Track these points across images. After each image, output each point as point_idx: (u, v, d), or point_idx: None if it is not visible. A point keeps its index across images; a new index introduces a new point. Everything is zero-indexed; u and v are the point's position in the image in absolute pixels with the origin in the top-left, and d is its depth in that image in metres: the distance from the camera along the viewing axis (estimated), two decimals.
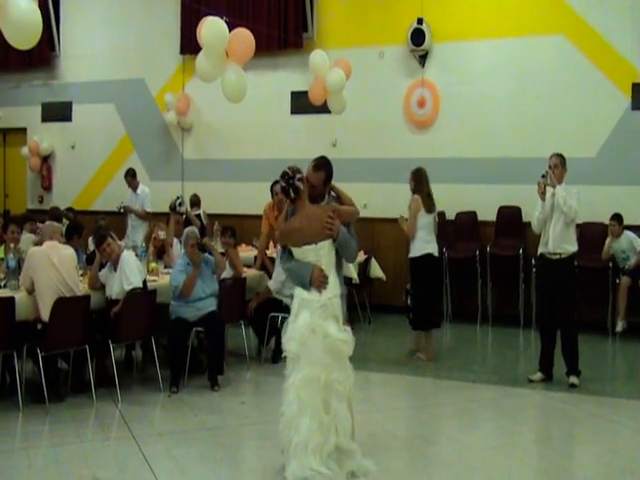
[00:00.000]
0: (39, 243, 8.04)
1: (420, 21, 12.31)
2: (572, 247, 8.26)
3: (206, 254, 8.43)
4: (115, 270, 8.00)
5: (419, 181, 9.63)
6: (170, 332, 8.15)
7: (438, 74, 12.52)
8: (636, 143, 11.28)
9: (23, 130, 16.15)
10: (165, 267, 9.42)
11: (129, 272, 7.91)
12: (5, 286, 7.84)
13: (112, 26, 15.33)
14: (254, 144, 13.78)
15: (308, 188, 5.64)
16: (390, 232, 12.56)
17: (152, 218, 12.28)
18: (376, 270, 11.81)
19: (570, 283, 8.31)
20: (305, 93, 11.67)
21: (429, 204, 9.52)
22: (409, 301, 9.73)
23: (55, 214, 11.20)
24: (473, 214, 12.15)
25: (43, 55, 15.38)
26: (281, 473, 5.56)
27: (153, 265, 9.11)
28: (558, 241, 8.20)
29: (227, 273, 9.04)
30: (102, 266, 8.19)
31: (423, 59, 12.59)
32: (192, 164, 14.48)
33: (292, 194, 5.59)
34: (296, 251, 5.66)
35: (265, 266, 9.90)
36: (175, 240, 9.99)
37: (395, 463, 6.08)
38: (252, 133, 13.83)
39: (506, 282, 11.71)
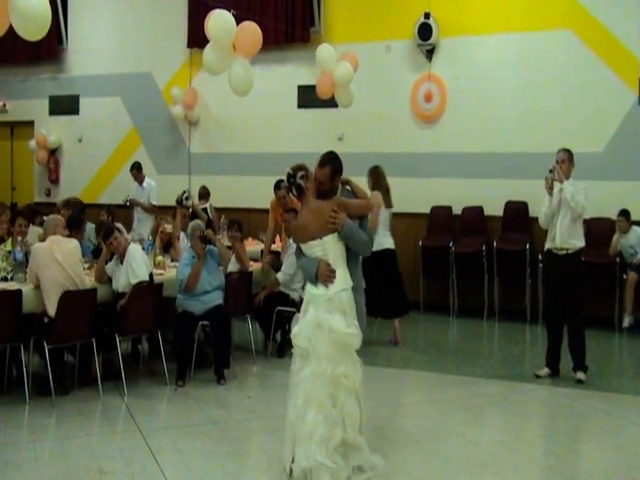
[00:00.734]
0: (44, 237, 8.04)
1: (427, 15, 12.28)
2: (579, 242, 8.24)
3: (210, 246, 8.43)
4: (122, 263, 8.01)
5: (377, 178, 10.02)
6: (176, 326, 8.16)
7: (445, 68, 12.49)
8: None
9: (31, 123, 16.19)
10: (172, 261, 9.43)
11: (135, 265, 7.91)
12: (12, 279, 7.85)
13: (119, 20, 15.36)
14: (261, 138, 13.77)
15: (316, 184, 5.63)
16: (396, 226, 12.48)
17: (158, 211, 12.29)
18: None
19: (577, 279, 8.29)
20: (312, 87, 11.65)
21: (387, 200, 9.95)
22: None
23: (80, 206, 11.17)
24: (480, 209, 12.12)
25: (51, 49, 15.43)
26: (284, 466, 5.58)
27: (160, 258, 9.12)
28: (565, 236, 8.18)
29: (233, 267, 9.04)
30: (109, 259, 8.19)
31: (430, 53, 12.56)
32: (199, 158, 14.48)
33: (295, 192, 5.63)
34: (303, 247, 5.67)
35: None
36: (182, 234, 10.00)
37: (402, 457, 6.08)
38: (259, 127, 13.82)
39: (513, 277, 11.69)
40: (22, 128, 16.33)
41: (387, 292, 9.79)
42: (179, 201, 10.48)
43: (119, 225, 9.01)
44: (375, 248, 9.28)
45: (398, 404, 7.61)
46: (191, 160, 14.55)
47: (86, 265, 8.41)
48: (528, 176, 11.16)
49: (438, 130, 12.61)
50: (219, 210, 12.64)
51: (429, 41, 12.34)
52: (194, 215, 10.90)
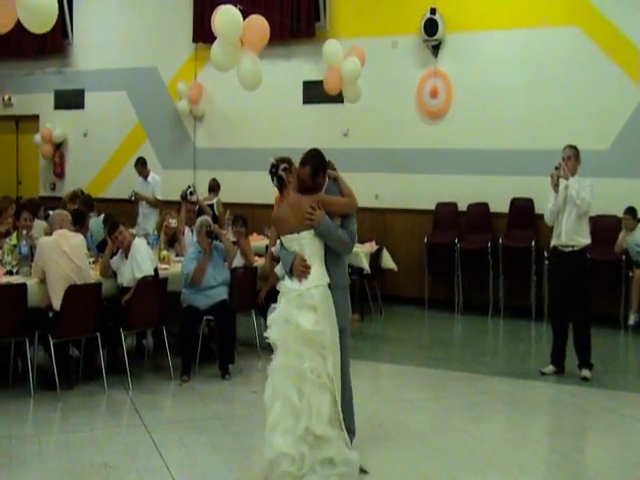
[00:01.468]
0: (50, 232, 8.04)
1: (433, 11, 12.25)
2: (585, 240, 8.22)
3: (216, 241, 8.43)
4: (127, 258, 8.00)
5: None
6: (181, 321, 8.15)
7: (451, 64, 12.46)
8: None
9: (36, 117, 16.19)
10: (176, 255, 9.42)
11: (140, 260, 7.91)
12: (17, 273, 7.85)
13: (125, 14, 15.34)
14: (266, 133, 13.74)
15: (298, 181, 5.62)
16: (401, 222, 12.55)
17: (163, 206, 12.28)
18: (387, 261, 11.77)
19: (582, 276, 8.27)
20: (317, 82, 11.66)
21: None
22: None
23: (88, 201, 11.18)
24: (485, 205, 12.09)
25: (56, 43, 15.42)
26: None
27: (164, 253, 9.12)
28: (571, 233, 8.16)
29: (238, 262, 9.03)
30: (114, 254, 8.18)
31: (436, 49, 12.52)
32: (204, 153, 14.47)
33: (276, 183, 5.63)
34: (283, 239, 5.69)
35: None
36: (186, 228, 9.99)
37: (405, 454, 6.06)
38: (264, 122, 13.80)
39: (518, 274, 11.67)
40: (27, 122, 16.34)
41: None
42: (184, 196, 10.49)
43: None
44: None
45: (402, 400, 7.57)
46: (196, 155, 14.55)
47: (91, 259, 8.42)
48: (534, 173, 11.12)
49: (443, 126, 12.58)
50: (224, 205, 12.62)
51: (435, 37, 12.31)
52: (200, 210, 10.91)
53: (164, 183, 12.87)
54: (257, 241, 10.91)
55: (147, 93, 15.04)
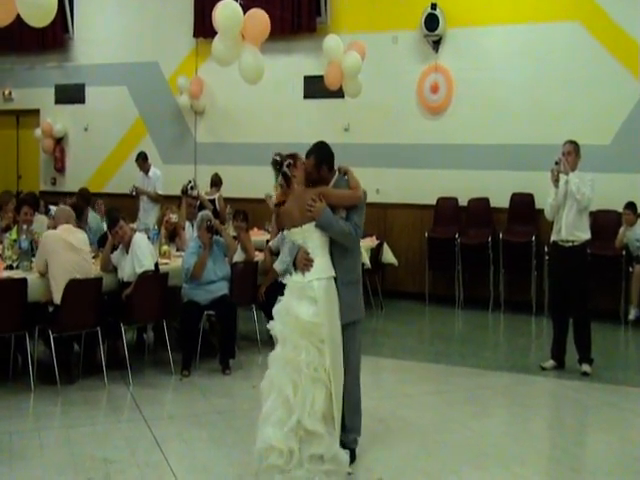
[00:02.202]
0: (54, 226, 8.05)
1: (434, 6, 12.25)
2: (585, 235, 8.21)
3: (216, 236, 8.43)
4: (127, 252, 8.00)
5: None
6: (182, 315, 8.16)
7: (452, 60, 12.46)
8: None
9: (36, 112, 16.18)
10: (177, 250, 9.43)
11: (141, 255, 7.91)
12: (18, 267, 7.85)
13: (126, 9, 15.34)
14: (267, 128, 13.74)
15: (304, 174, 5.64)
16: (402, 217, 12.56)
17: (164, 200, 12.28)
18: (388, 255, 11.80)
19: (582, 271, 8.26)
20: (318, 77, 11.65)
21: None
22: None
23: (85, 196, 11.19)
24: (486, 200, 12.09)
25: (57, 37, 15.42)
26: None
27: (165, 248, 9.12)
28: (571, 229, 8.15)
29: (239, 257, 9.03)
30: (114, 248, 8.18)
31: (437, 44, 12.52)
32: (205, 147, 14.47)
33: (282, 179, 5.67)
34: (288, 234, 5.75)
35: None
36: (187, 223, 9.99)
37: (407, 449, 6.06)
38: (265, 117, 13.80)
39: (518, 269, 11.68)
40: (28, 116, 16.34)
41: None
42: (184, 191, 10.47)
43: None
44: None
45: (403, 395, 7.59)
46: (197, 150, 14.54)
47: (92, 254, 8.42)
48: (534, 168, 11.13)
49: (444, 121, 12.58)
50: (225, 200, 12.62)
51: (436, 32, 12.31)
52: (201, 205, 10.91)
53: (165, 178, 12.86)
54: (258, 236, 10.92)
55: (148, 88, 15.03)
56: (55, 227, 7.89)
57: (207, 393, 7.45)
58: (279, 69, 13.24)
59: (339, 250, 5.58)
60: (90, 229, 9.93)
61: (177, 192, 10.93)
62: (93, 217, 10.57)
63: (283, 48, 13.38)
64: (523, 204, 11.77)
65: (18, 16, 7.27)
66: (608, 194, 10.63)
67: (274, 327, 5.51)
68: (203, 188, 12.40)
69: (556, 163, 8.18)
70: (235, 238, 9.13)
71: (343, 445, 5.54)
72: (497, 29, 12.18)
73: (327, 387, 5.32)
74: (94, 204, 11.60)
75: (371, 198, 11.85)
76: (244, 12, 9.34)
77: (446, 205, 12.35)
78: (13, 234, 8.50)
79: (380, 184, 12.61)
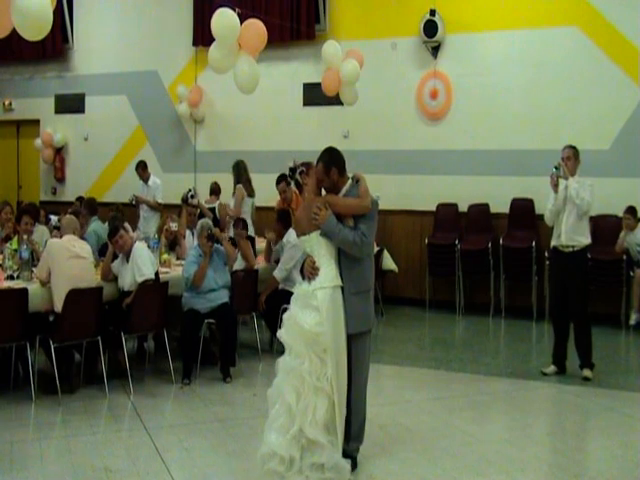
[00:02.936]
0: (60, 236, 8.08)
1: (433, 12, 12.26)
2: (585, 240, 8.21)
3: (217, 245, 8.45)
4: (127, 261, 8.01)
5: (239, 173, 11.23)
6: (182, 324, 8.16)
7: (451, 65, 12.48)
8: None
9: (36, 122, 16.23)
10: (177, 259, 9.44)
11: (141, 263, 7.92)
12: (18, 277, 7.86)
13: (125, 18, 15.37)
14: (266, 136, 13.77)
15: (316, 181, 5.68)
16: (402, 224, 12.56)
17: (163, 209, 12.29)
18: (388, 262, 11.81)
19: (583, 276, 8.27)
20: (317, 85, 11.66)
21: (250, 190, 11.08)
22: None
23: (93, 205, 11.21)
24: (486, 206, 12.10)
25: (56, 47, 15.48)
26: None
27: (165, 256, 9.13)
28: (571, 234, 8.16)
29: (239, 265, 9.04)
30: (115, 257, 8.19)
31: (436, 50, 12.54)
32: (204, 155, 14.49)
33: (295, 187, 5.74)
34: (299, 241, 5.83)
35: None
36: (187, 232, 10.00)
37: (407, 455, 6.06)
38: (264, 125, 13.83)
39: (519, 274, 11.67)
40: (28, 127, 16.39)
41: None
42: (184, 199, 10.49)
43: (125, 224, 9.02)
44: None
45: (404, 401, 7.59)
46: (197, 158, 14.56)
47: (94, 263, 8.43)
48: (534, 173, 11.15)
49: (444, 127, 12.59)
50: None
51: (434, 38, 12.32)
52: (202, 214, 10.91)
53: (165, 186, 12.86)
54: (258, 243, 10.92)
55: (147, 97, 15.07)
56: (61, 236, 7.92)
57: (208, 401, 7.45)
58: (278, 77, 13.29)
59: (347, 259, 5.56)
60: (94, 237, 9.96)
61: (177, 201, 10.95)
62: (99, 226, 10.57)
63: (282, 56, 13.43)
64: (523, 209, 11.77)
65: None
66: (608, 199, 10.67)
67: (281, 334, 5.52)
68: (203, 196, 12.40)
69: (555, 168, 8.19)
70: (235, 246, 9.13)
71: (345, 454, 5.57)
72: (496, 35, 12.20)
73: (329, 396, 5.34)
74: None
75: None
76: (242, 21, 9.36)
77: (446, 211, 12.35)
78: (14, 244, 8.50)
79: (380, 191, 12.45)
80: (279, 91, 13.45)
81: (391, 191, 12.66)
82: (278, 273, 8.97)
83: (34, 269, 7.84)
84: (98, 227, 10.42)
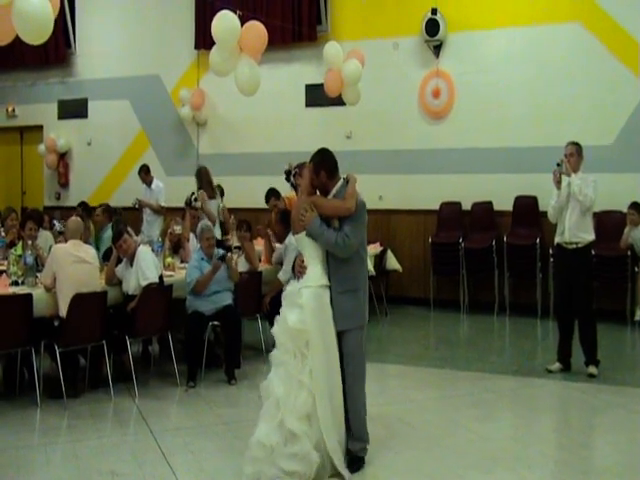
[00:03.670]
0: (65, 240, 8.10)
1: (434, 11, 12.27)
2: (589, 236, 8.20)
3: (219, 249, 8.46)
4: (131, 266, 8.02)
5: (200, 179, 11.29)
6: (187, 326, 8.15)
7: (453, 64, 12.48)
8: None
9: (40, 128, 16.25)
10: (181, 262, 9.44)
11: (145, 267, 7.93)
12: (23, 283, 7.86)
13: (127, 23, 15.39)
14: (269, 138, 13.79)
15: (308, 181, 5.74)
16: (406, 223, 12.56)
17: (167, 212, 12.30)
18: (392, 262, 11.80)
19: (587, 272, 8.26)
20: (319, 86, 11.67)
21: (211, 193, 11.13)
22: None
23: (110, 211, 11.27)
24: (489, 204, 12.10)
25: (59, 53, 15.52)
26: None
27: (169, 260, 9.13)
28: (574, 230, 8.15)
29: (243, 267, 9.04)
30: (119, 261, 8.20)
31: (438, 49, 12.55)
32: (208, 158, 14.44)
33: (292, 188, 5.80)
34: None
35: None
36: (191, 235, 10.01)
37: (413, 454, 6.05)
38: (267, 127, 13.84)
39: (523, 272, 11.67)
40: (31, 133, 16.41)
41: None
42: (188, 202, 10.49)
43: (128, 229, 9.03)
44: None
45: (409, 400, 7.57)
46: (200, 161, 14.53)
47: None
48: (537, 170, 11.13)
49: (446, 126, 12.60)
50: (228, 210, 12.61)
51: (436, 37, 12.34)
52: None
53: (168, 190, 12.86)
54: (261, 245, 10.90)
55: (150, 101, 15.09)
56: (66, 241, 7.93)
57: (213, 404, 7.45)
58: (280, 78, 13.30)
59: (335, 259, 5.63)
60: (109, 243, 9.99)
61: (180, 204, 10.95)
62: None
63: (284, 57, 13.44)
64: (527, 207, 11.77)
65: None
66: (612, 194, 10.64)
67: (273, 330, 5.67)
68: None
69: (558, 165, 8.19)
70: (238, 248, 9.13)
71: (350, 454, 5.63)
72: (497, 32, 12.21)
73: (310, 390, 5.44)
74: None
75: (374, 205, 11.96)
76: (243, 23, 9.37)
77: (449, 210, 12.35)
78: (18, 250, 8.52)
79: (383, 190, 12.63)
80: (281, 93, 13.45)
81: (394, 191, 12.70)
82: (282, 275, 8.95)
83: (39, 274, 7.85)
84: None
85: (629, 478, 5.68)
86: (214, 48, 9.47)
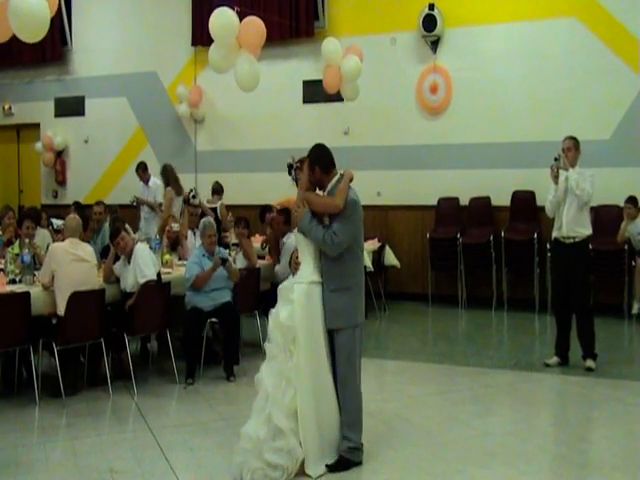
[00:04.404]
0: (63, 238, 8.10)
1: (431, 7, 12.29)
2: (586, 230, 8.21)
3: (220, 248, 8.47)
4: (129, 263, 8.02)
5: (166, 176, 11.69)
6: (185, 323, 8.16)
7: (450, 59, 12.48)
8: None
9: (37, 125, 16.22)
10: (179, 259, 9.44)
11: (143, 265, 7.92)
12: (20, 281, 7.86)
13: (124, 20, 15.37)
14: (267, 134, 13.78)
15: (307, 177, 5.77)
16: (404, 219, 12.57)
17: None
18: (390, 257, 11.81)
19: (584, 267, 8.27)
20: (317, 82, 11.67)
21: (178, 189, 11.45)
22: None
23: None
24: (487, 199, 12.11)
25: (55, 50, 15.49)
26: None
27: (167, 257, 9.13)
28: (572, 225, 8.15)
29: (241, 263, 9.04)
30: (117, 259, 8.20)
31: (435, 45, 12.55)
32: (205, 155, 14.50)
33: (294, 182, 5.82)
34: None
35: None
36: (189, 232, 10.00)
37: (412, 450, 6.06)
38: (264, 123, 13.82)
39: (521, 267, 11.68)
40: (28, 130, 16.39)
41: None
42: (186, 199, 10.48)
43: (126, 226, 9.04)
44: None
45: (407, 396, 7.57)
46: (197, 158, 14.57)
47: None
48: (535, 165, 11.12)
49: (444, 121, 12.60)
50: (226, 207, 12.62)
51: (434, 32, 12.34)
52: (203, 213, 10.91)
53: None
54: (259, 242, 10.90)
55: (147, 98, 15.07)
56: (64, 239, 7.93)
57: (212, 401, 7.46)
58: (278, 75, 13.28)
59: (327, 257, 5.62)
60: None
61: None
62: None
63: (281, 54, 13.43)
64: (524, 202, 11.78)
65: None
66: (609, 189, 10.65)
67: (268, 324, 5.76)
68: (204, 196, 12.39)
69: (555, 159, 8.20)
70: (236, 245, 9.13)
71: (339, 455, 5.63)
72: (494, 28, 12.21)
73: (295, 387, 5.47)
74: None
75: (372, 201, 12.01)
76: (241, 19, 9.35)
77: (447, 205, 12.36)
78: (15, 248, 8.52)
79: (381, 186, 12.64)
80: (279, 89, 13.44)
81: (392, 186, 12.70)
82: (278, 269, 9.00)
83: (36, 272, 7.85)
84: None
85: (627, 471, 5.68)
86: (213, 45, 9.45)
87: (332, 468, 5.55)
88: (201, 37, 13.70)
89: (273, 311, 5.65)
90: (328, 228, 5.55)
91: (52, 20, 7.38)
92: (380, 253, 11.55)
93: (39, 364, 7.60)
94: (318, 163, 5.67)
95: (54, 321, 7.49)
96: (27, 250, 8.03)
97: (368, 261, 10.37)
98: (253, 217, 10.60)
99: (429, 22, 12.32)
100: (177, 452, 6.15)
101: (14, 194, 16.34)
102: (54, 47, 15.35)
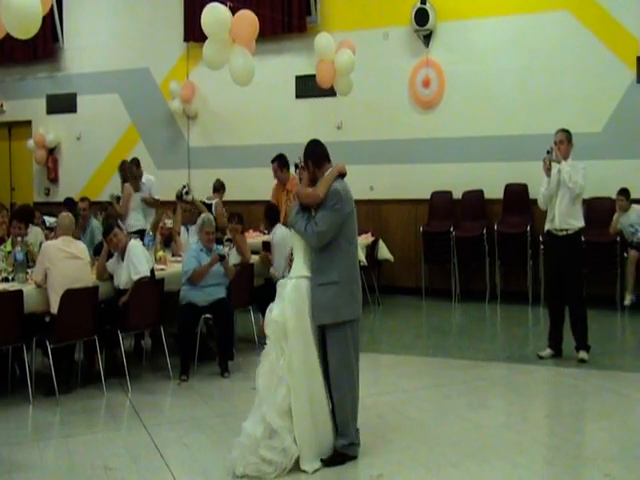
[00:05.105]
0: (55, 236, 8.09)
1: (423, 1, 12.27)
2: (578, 223, 8.23)
3: (219, 247, 8.48)
4: (122, 260, 8.01)
5: (124, 172, 11.92)
6: (179, 319, 8.16)
7: (443, 53, 12.47)
8: None
9: (28, 123, 16.16)
10: (173, 255, 9.44)
11: (136, 261, 7.92)
12: (13, 279, 7.85)
13: (115, 16, 15.32)
14: (260, 130, 13.75)
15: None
16: (397, 213, 12.57)
17: (160, 205, 12.24)
18: (384, 251, 11.82)
19: (577, 259, 8.28)
20: (310, 77, 11.65)
21: (137, 186, 11.48)
22: None
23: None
24: (480, 192, 12.11)
25: (47, 47, 15.43)
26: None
27: (161, 253, 9.13)
28: (564, 217, 8.17)
29: (235, 259, 9.04)
30: (110, 256, 8.19)
31: (427, 39, 12.54)
32: (198, 151, 14.47)
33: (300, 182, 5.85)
34: None
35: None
36: (182, 228, 9.99)
37: (407, 443, 6.06)
38: (257, 119, 13.80)
39: (514, 260, 11.69)
40: (20, 128, 16.34)
41: None
42: (179, 196, 10.46)
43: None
44: (130, 229, 10.40)
45: (402, 390, 7.59)
46: (190, 154, 14.55)
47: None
48: (527, 158, 11.11)
49: (437, 115, 12.59)
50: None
51: (426, 26, 12.33)
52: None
53: (159, 183, 12.79)
54: (253, 238, 10.91)
55: (139, 94, 15.02)
56: (56, 237, 7.92)
57: (206, 397, 7.46)
58: (270, 70, 13.22)
59: (316, 251, 5.62)
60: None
61: (171, 197, 10.93)
62: (96, 226, 10.58)
63: (274, 49, 13.39)
64: (517, 195, 11.78)
65: None
66: (601, 181, 10.67)
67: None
68: (197, 193, 12.34)
69: (548, 152, 8.21)
70: (230, 240, 9.12)
71: (334, 450, 5.64)
72: (486, 21, 12.20)
73: (287, 384, 5.47)
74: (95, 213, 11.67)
75: (365, 195, 12.02)
76: (233, 14, 9.33)
77: (440, 199, 12.36)
78: (7, 246, 8.50)
79: (374, 181, 12.64)
80: (271, 84, 13.39)
81: (385, 181, 12.70)
82: (273, 271, 9.03)
83: (29, 270, 7.84)
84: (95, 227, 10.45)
85: (620, 462, 5.69)
86: (206, 42, 9.41)
87: (327, 462, 5.56)
88: (193, 33, 13.65)
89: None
90: (312, 219, 5.56)
91: (44, 17, 7.36)
92: (373, 247, 11.56)
93: (32, 362, 7.59)
94: (310, 158, 5.71)
95: (47, 319, 7.48)
96: (19, 248, 8.01)
97: (362, 255, 10.36)
98: (246, 212, 10.59)
99: (421, 16, 12.30)
100: (172, 448, 6.16)
101: (6, 192, 16.27)
102: (46, 44, 15.29)
